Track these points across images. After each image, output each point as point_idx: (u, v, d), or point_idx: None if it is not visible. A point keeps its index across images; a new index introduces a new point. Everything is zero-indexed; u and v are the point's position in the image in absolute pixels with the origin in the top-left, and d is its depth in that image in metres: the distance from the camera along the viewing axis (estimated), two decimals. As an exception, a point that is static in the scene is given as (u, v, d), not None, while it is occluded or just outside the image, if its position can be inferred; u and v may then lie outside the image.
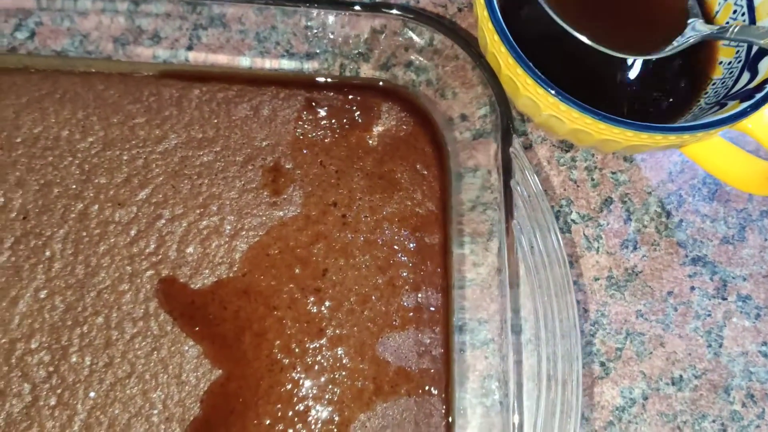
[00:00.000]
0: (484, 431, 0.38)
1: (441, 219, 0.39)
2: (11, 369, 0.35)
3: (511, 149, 0.35)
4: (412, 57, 0.42)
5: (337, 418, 0.35)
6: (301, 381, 0.36)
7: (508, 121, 0.37)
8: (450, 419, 0.36)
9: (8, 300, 0.35)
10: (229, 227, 0.37)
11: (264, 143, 0.38)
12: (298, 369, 0.36)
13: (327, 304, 0.37)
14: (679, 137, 0.33)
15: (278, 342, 0.36)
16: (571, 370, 0.36)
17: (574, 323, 0.36)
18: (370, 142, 0.39)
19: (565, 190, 0.43)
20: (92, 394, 0.35)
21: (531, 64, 0.33)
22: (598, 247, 0.42)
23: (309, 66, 0.42)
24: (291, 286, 0.37)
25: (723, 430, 0.40)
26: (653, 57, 0.36)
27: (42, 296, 0.36)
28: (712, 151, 0.38)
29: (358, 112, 0.40)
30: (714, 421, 0.40)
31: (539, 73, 0.33)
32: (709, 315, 0.41)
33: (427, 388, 0.36)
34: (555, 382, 0.36)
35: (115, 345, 0.35)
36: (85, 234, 0.36)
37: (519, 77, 0.34)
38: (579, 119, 0.33)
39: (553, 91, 0.33)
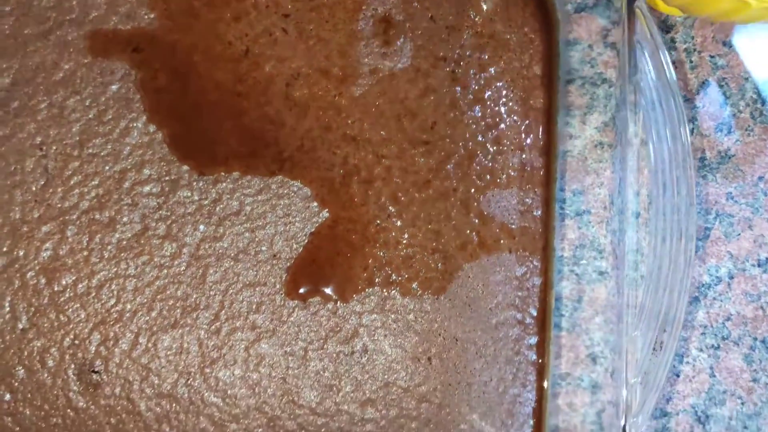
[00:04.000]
0: (573, 297, 0.39)
1: (546, 85, 0.39)
2: (121, 197, 0.35)
3: (636, 4, 0.35)
4: None
5: (441, 266, 0.36)
6: (406, 229, 0.36)
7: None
8: (546, 279, 0.37)
9: (120, 130, 0.35)
10: (338, 71, 0.37)
11: (374, -7, 0.38)
12: (404, 217, 0.36)
13: (435, 156, 0.37)
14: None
15: (386, 190, 0.36)
16: (681, 249, 0.36)
17: (691, 200, 0.36)
18: (481, 1, 0.39)
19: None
20: (201, 227, 0.35)
21: None
22: (693, 129, 0.42)
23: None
24: (399, 136, 0.37)
25: (804, 311, 0.41)
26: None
27: (151, 129, 0.36)
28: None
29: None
30: (796, 303, 0.41)
31: None
32: (798, 201, 0.42)
33: (527, 246, 0.37)
34: (667, 259, 0.36)
35: (224, 181, 0.35)
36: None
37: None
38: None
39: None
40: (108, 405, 0.34)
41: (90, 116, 0.36)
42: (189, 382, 0.35)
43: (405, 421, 0.35)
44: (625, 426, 0.32)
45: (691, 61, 0.44)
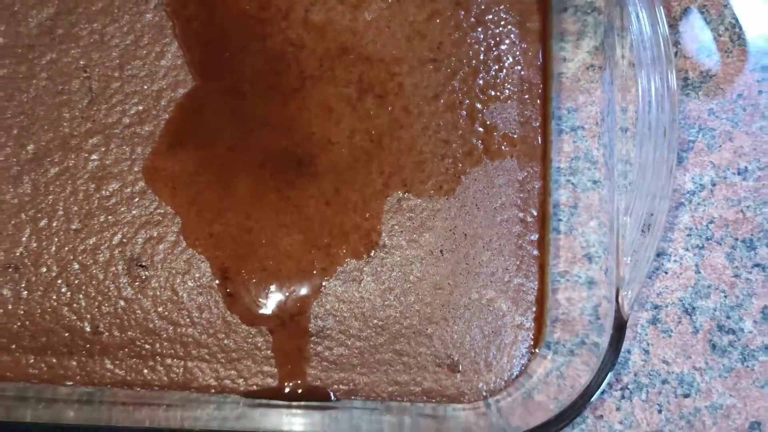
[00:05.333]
0: (570, 204, 0.43)
1: (541, 9, 0.42)
2: (159, 113, 0.39)
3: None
4: None
5: (450, 171, 0.40)
6: (418, 137, 0.40)
7: None
8: (545, 184, 0.41)
9: (155, 53, 0.39)
10: (354, -1, 0.40)
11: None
12: (415, 127, 0.40)
13: (442, 72, 0.40)
14: None
15: (398, 103, 0.40)
16: (663, 158, 0.39)
17: (674, 116, 0.39)
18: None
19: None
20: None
21: None
22: (676, 52, 0.46)
23: None
24: (410, 55, 0.40)
25: (781, 214, 0.44)
26: None
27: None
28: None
29: None
30: (773, 207, 0.44)
31: None
32: (774, 116, 0.46)
33: (527, 153, 0.40)
34: (650, 167, 0.40)
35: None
36: None
37: None
38: None
39: None
40: (154, 296, 0.38)
41: (128, 42, 0.39)
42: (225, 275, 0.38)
43: (421, 306, 0.39)
44: (617, 296, 0.36)
45: (674, -9, 0.47)
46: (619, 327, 0.36)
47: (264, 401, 0.39)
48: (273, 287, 0.39)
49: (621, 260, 0.36)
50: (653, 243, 0.36)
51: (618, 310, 0.36)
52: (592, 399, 0.37)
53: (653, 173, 0.39)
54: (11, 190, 0.38)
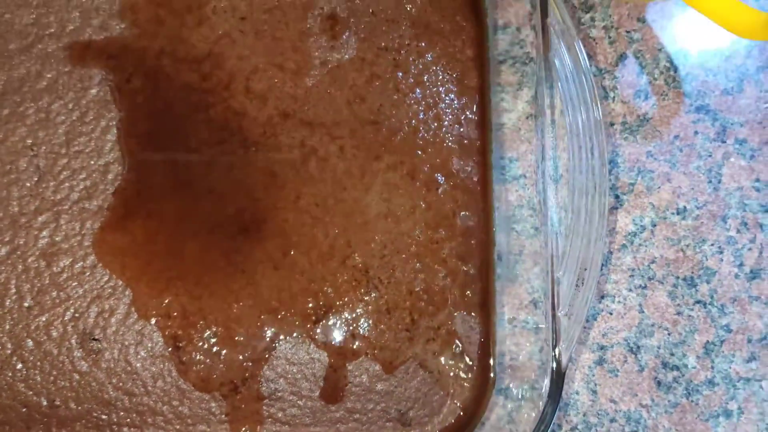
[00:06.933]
0: (514, 250, 0.44)
1: (479, 66, 0.43)
2: (107, 187, 0.40)
3: (547, -8, 0.40)
4: None
5: (394, 229, 0.41)
6: (361, 199, 0.41)
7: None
8: (488, 233, 0.42)
9: (101, 128, 0.40)
10: (292, 65, 0.41)
11: (321, -7, 0.42)
12: (358, 189, 0.41)
13: (383, 133, 0.41)
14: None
15: (341, 166, 0.41)
16: (596, 203, 0.41)
17: (603, 161, 0.41)
18: (416, -6, 0.44)
19: (585, 47, 0.47)
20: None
21: None
22: (614, 97, 0.47)
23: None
24: (351, 118, 0.41)
25: (720, 251, 0.46)
26: None
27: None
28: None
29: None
30: (712, 245, 0.46)
31: None
32: (710, 155, 0.47)
33: (469, 207, 0.42)
34: (584, 212, 0.41)
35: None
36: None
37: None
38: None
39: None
40: (108, 368, 0.39)
41: (73, 118, 0.40)
42: (177, 344, 0.39)
43: (368, 363, 0.40)
44: (554, 354, 0.37)
45: (609, 37, 0.49)
46: (558, 378, 0.38)
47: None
48: (224, 353, 0.40)
49: (556, 314, 0.37)
50: (587, 297, 0.37)
51: (556, 363, 0.37)
52: (542, 442, 0.39)
53: (586, 217, 0.40)
54: (-38, 271, 0.39)
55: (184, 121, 0.40)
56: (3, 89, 0.40)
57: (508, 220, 0.45)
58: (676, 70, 0.49)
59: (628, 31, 0.50)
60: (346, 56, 0.42)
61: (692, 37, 0.49)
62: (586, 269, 0.37)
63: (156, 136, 0.40)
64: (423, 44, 0.43)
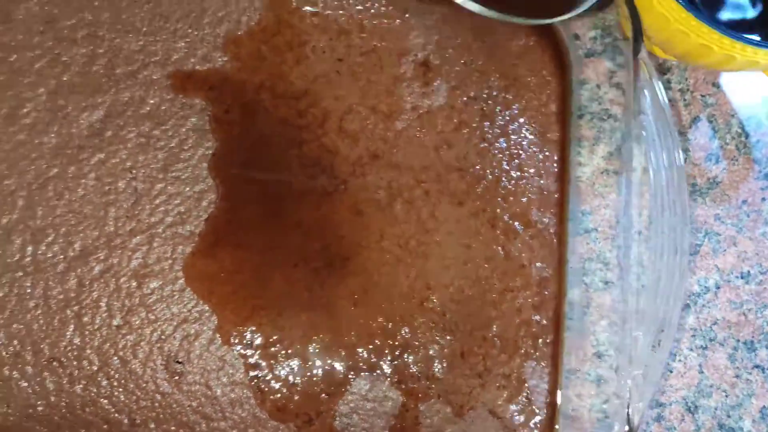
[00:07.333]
0: (583, 303, 0.45)
1: (561, 120, 0.45)
2: (200, 213, 0.41)
3: (639, 56, 0.41)
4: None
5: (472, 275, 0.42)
6: (443, 242, 0.42)
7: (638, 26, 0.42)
8: (561, 284, 0.43)
9: (198, 156, 0.41)
10: (385, 108, 0.43)
11: (416, 41, 0.44)
12: (440, 232, 0.42)
13: (467, 180, 0.43)
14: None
15: (425, 209, 0.42)
16: (676, 263, 0.42)
17: (685, 220, 0.42)
18: (507, 49, 0.45)
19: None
20: (268, 241, 0.41)
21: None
22: (686, 159, 0.48)
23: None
24: (437, 164, 0.43)
25: (781, 318, 0.47)
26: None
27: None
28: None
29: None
30: (773, 311, 0.47)
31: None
32: (776, 223, 0.48)
33: (544, 259, 0.43)
34: (665, 271, 0.42)
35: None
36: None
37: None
38: (706, 34, 0.38)
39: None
40: (189, 391, 0.40)
41: (172, 144, 0.42)
42: (257, 372, 0.40)
43: (440, 406, 0.41)
44: (628, 412, 0.38)
45: (684, 100, 0.50)
46: (629, 436, 0.39)
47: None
48: (302, 384, 0.41)
49: (632, 374, 0.38)
50: (663, 358, 0.38)
51: (628, 422, 0.38)
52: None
53: (666, 276, 0.41)
54: (58, 286, 0.40)
55: (278, 154, 0.42)
56: (107, 112, 0.41)
57: (578, 272, 0.46)
58: (747, 136, 0.50)
59: (702, 95, 0.51)
60: (437, 103, 0.43)
61: (764, 105, 0.51)
62: (662, 331, 0.38)
63: (250, 167, 0.42)
64: (510, 96, 0.44)
